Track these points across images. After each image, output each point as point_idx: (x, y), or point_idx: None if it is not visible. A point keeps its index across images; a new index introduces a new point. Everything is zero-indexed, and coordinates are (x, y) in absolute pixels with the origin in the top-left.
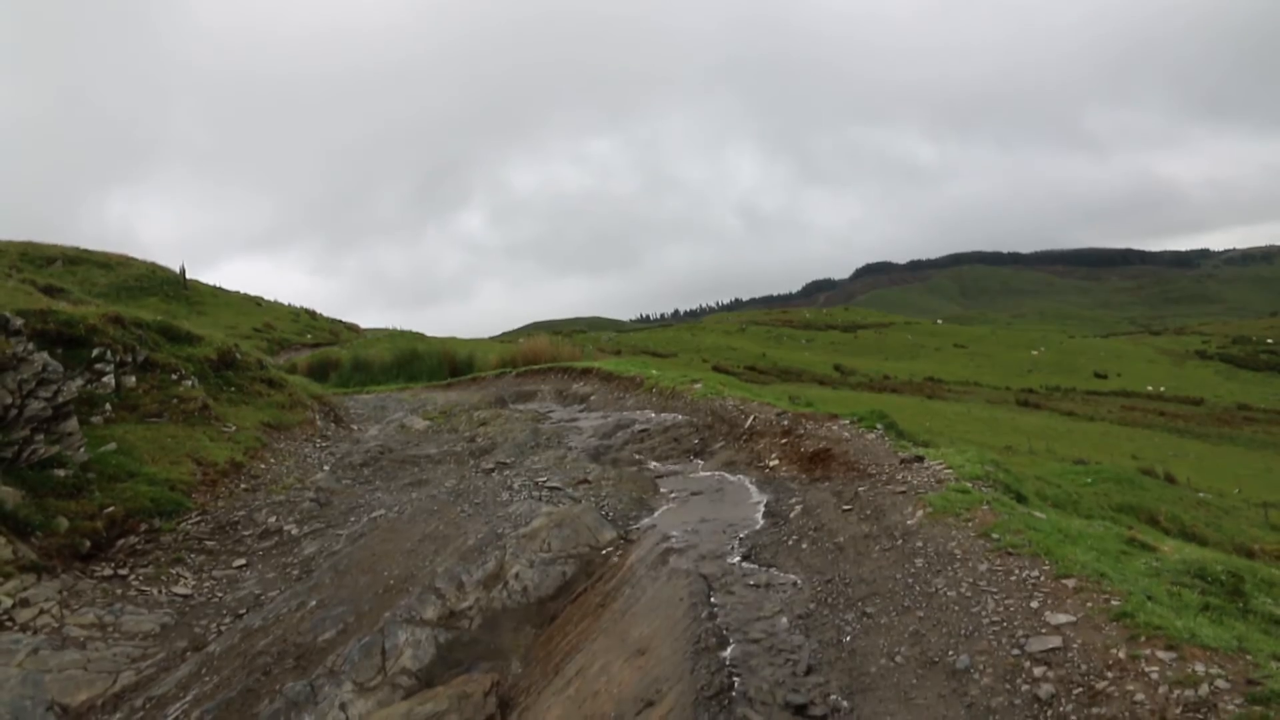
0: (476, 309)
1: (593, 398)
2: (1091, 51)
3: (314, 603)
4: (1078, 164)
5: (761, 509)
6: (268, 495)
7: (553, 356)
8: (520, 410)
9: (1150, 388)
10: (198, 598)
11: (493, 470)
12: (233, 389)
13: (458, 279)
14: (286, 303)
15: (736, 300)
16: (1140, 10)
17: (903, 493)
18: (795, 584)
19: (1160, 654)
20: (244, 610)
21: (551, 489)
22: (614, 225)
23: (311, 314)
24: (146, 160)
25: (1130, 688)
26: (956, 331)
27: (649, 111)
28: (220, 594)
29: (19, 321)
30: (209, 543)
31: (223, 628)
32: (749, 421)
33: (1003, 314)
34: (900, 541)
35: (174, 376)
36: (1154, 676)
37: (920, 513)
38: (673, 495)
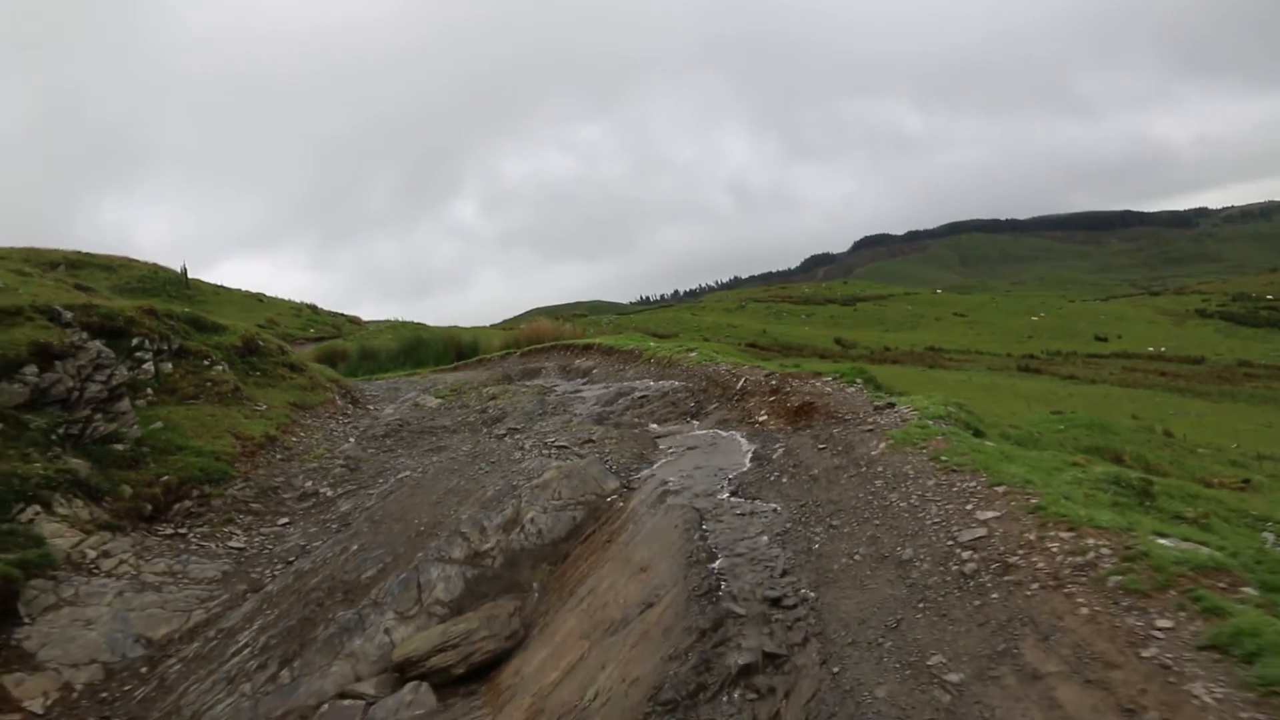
0: (475, 298)
1: (594, 371)
2: (1075, 14)
3: (355, 547)
4: (1069, 128)
5: (750, 456)
6: (302, 464)
7: (555, 336)
8: (526, 385)
9: (1151, 349)
10: (251, 550)
11: (505, 435)
12: (258, 373)
13: (453, 269)
14: (288, 298)
15: (735, 278)
16: None
17: (870, 431)
18: (775, 510)
19: (1062, 534)
20: (293, 558)
21: (560, 448)
22: (607, 209)
23: (313, 309)
24: (140, 164)
25: (1035, 559)
26: (956, 300)
27: (634, 95)
28: (270, 546)
29: (69, 314)
30: (254, 505)
31: (276, 572)
32: (740, 384)
33: (1002, 281)
34: (864, 469)
35: (206, 362)
36: (1054, 550)
37: (883, 445)
38: (670, 450)
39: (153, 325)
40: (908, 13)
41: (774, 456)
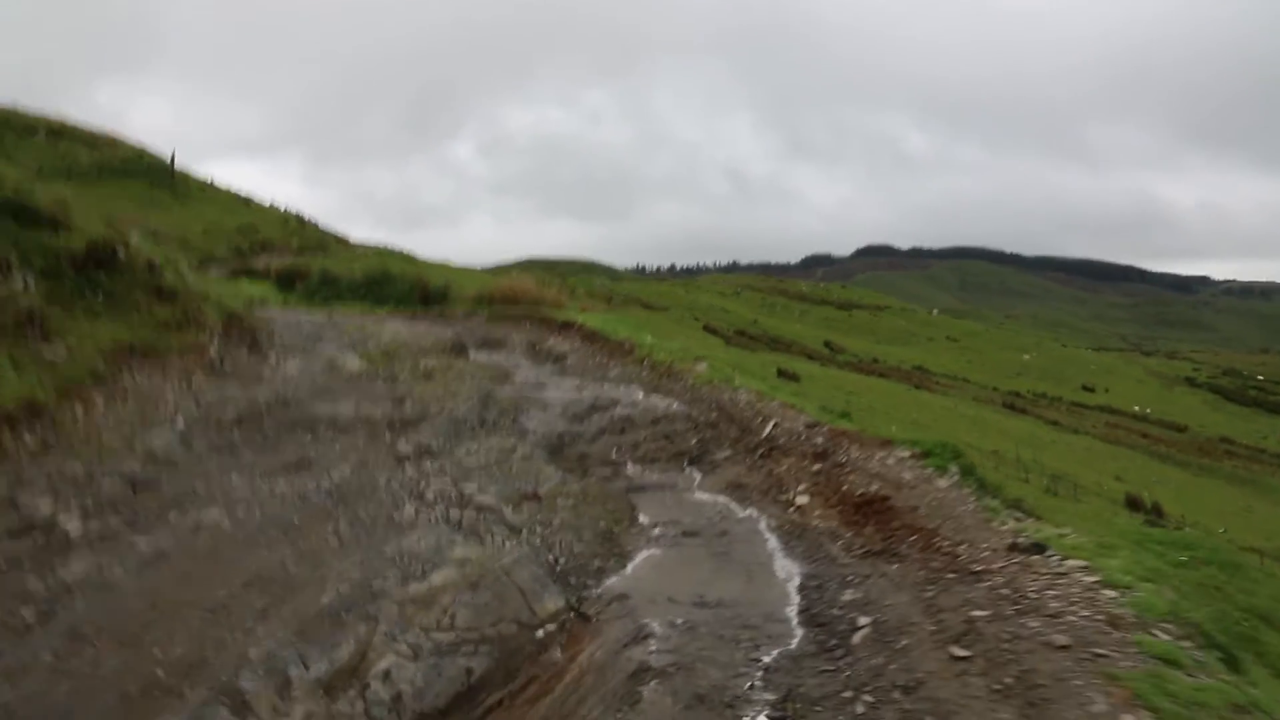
0: (466, 236)
1: (569, 359)
2: (1085, 69)
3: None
4: (1071, 173)
5: (795, 599)
6: (60, 462)
7: (534, 299)
8: (481, 361)
9: (1136, 408)
10: None
11: (408, 458)
12: (99, 296)
13: (447, 206)
14: (281, 207)
15: (734, 263)
16: (1142, 36)
17: (1065, 648)
18: None
19: None
20: None
21: (480, 508)
22: (606, 172)
23: (301, 220)
24: (143, 50)
25: None
26: (950, 324)
27: (640, 68)
28: None
29: None
30: None
31: None
32: (768, 429)
33: (997, 312)
34: None
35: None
36: None
37: (1127, 717)
38: (656, 531)
39: None
40: (918, 33)
41: (852, 636)
